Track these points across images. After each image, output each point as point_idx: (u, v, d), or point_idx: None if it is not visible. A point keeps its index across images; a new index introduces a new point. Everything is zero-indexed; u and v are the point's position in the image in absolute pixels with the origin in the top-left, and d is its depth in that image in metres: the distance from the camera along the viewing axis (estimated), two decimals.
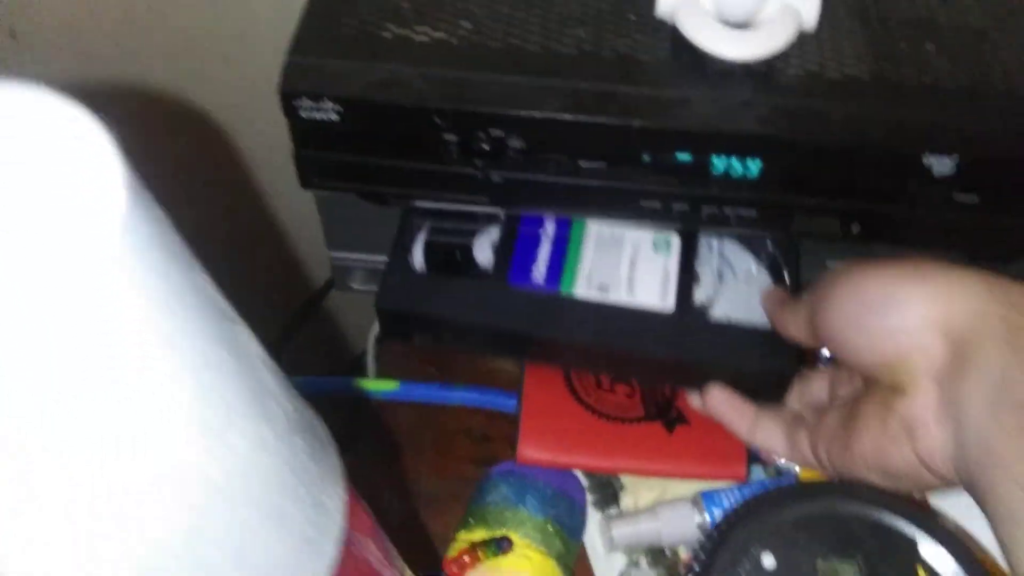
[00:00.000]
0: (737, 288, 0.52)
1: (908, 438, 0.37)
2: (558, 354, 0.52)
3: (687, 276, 0.52)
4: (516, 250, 0.53)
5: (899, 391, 0.38)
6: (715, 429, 0.51)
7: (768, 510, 0.32)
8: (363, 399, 0.56)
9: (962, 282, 0.37)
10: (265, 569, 0.16)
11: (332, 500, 0.19)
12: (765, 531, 0.32)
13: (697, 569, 0.31)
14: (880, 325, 0.39)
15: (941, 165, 0.46)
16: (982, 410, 0.33)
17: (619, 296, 0.51)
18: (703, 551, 0.31)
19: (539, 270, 0.52)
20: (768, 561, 0.31)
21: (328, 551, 0.18)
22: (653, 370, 0.51)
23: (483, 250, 0.53)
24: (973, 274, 0.37)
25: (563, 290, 0.51)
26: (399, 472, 0.53)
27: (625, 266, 0.52)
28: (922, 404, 0.37)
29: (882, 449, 0.39)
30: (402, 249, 0.53)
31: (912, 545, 0.32)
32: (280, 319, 0.94)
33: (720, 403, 0.49)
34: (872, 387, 0.40)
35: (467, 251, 0.54)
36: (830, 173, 0.48)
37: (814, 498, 0.33)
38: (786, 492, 0.33)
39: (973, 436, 0.34)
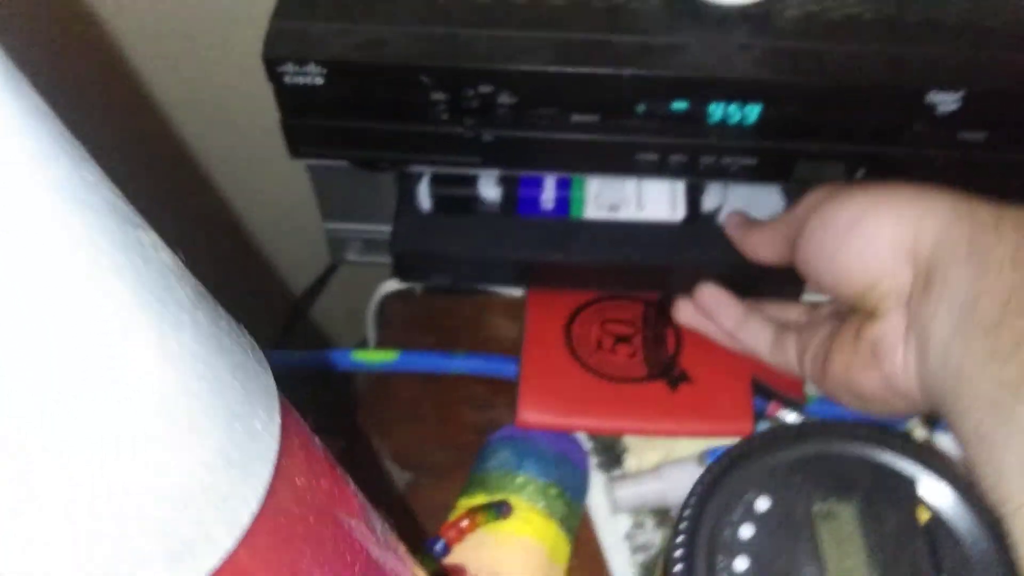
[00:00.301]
0: (741, 191, 0.53)
1: (875, 361, 0.38)
2: (575, 277, 0.53)
3: (694, 185, 0.53)
4: (521, 181, 0.53)
5: (870, 316, 0.38)
6: (720, 386, 0.50)
7: (761, 453, 0.31)
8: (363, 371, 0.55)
9: (930, 205, 0.36)
10: (187, 488, 0.15)
11: (264, 425, 0.18)
12: (758, 474, 0.31)
13: (687, 515, 0.30)
14: (850, 253, 0.39)
15: (945, 102, 0.45)
16: (948, 331, 0.33)
17: (629, 213, 0.51)
18: (694, 496, 0.30)
19: (547, 198, 0.52)
20: (762, 505, 0.30)
21: (259, 475, 0.17)
22: (669, 280, 0.52)
23: (488, 186, 0.53)
24: (941, 196, 0.37)
25: (573, 214, 0.51)
26: (400, 443, 0.53)
27: (632, 183, 0.53)
28: (889, 328, 0.37)
29: (851, 371, 0.40)
30: (408, 193, 0.53)
31: (912, 484, 0.31)
32: (276, 316, 0.94)
33: (710, 299, 0.50)
34: (855, 311, 0.41)
35: (472, 187, 0.53)
36: (831, 116, 0.46)
37: (810, 439, 0.31)
38: (780, 434, 0.32)
39: (939, 357, 0.33)
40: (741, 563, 0.29)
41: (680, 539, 0.29)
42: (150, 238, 0.15)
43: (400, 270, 0.53)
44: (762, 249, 0.47)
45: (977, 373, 0.31)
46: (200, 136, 0.81)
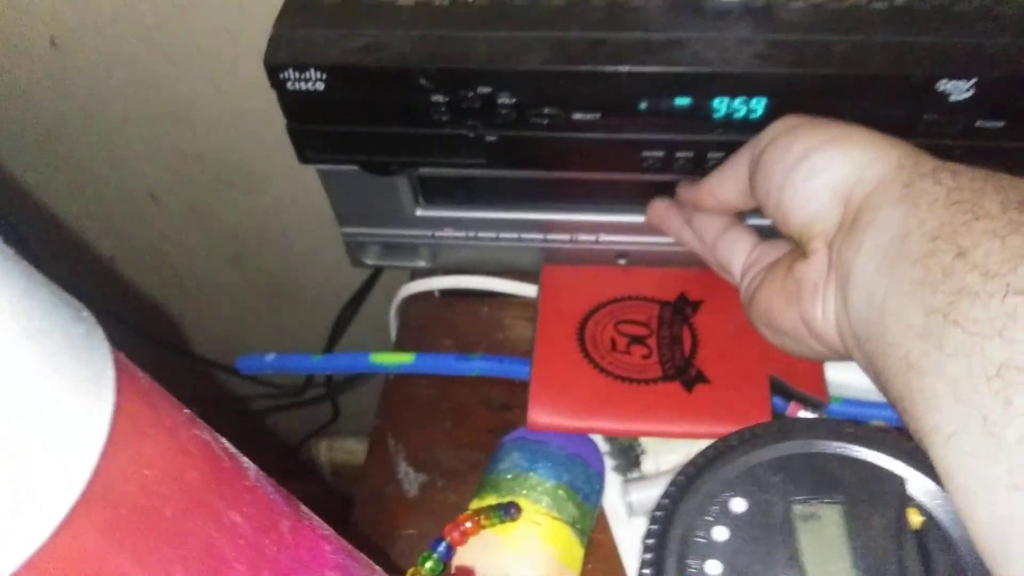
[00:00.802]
0: None
1: (796, 299, 0.38)
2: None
3: None
4: None
5: (802, 255, 0.38)
6: (737, 387, 0.49)
7: (739, 451, 0.30)
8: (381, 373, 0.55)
9: (879, 154, 0.36)
10: None
11: (89, 411, 0.18)
12: (735, 474, 0.30)
13: (658, 516, 0.29)
14: (792, 188, 0.38)
15: (958, 90, 0.43)
16: (874, 266, 0.32)
17: None
18: (666, 497, 0.30)
19: None
20: (738, 506, 0.29)
21: (79, 462, 0.17)
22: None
23: None
24: (893, 145, 0.36)
25: None
26: (416, 444, 0.53)
27: None
28: (813, 268, 0.37)
29: (773, 304, 0.40)
30: None
31: (901, 484, 0.29)
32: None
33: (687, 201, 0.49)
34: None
35: None
36: (840, 108, 0.45)
37: (791, 437, 0.30)
38: (759, 432, 0.31)
39: (864, 294, 0.33)
40: (713, 567, 0.28)
41: (650, 541, 0.29)
42: None
43: (425, 194, 0.54)
44: (721, 188, 0.45)
45: (904, 303, 0.30)
46: (237, 148, 0.82)
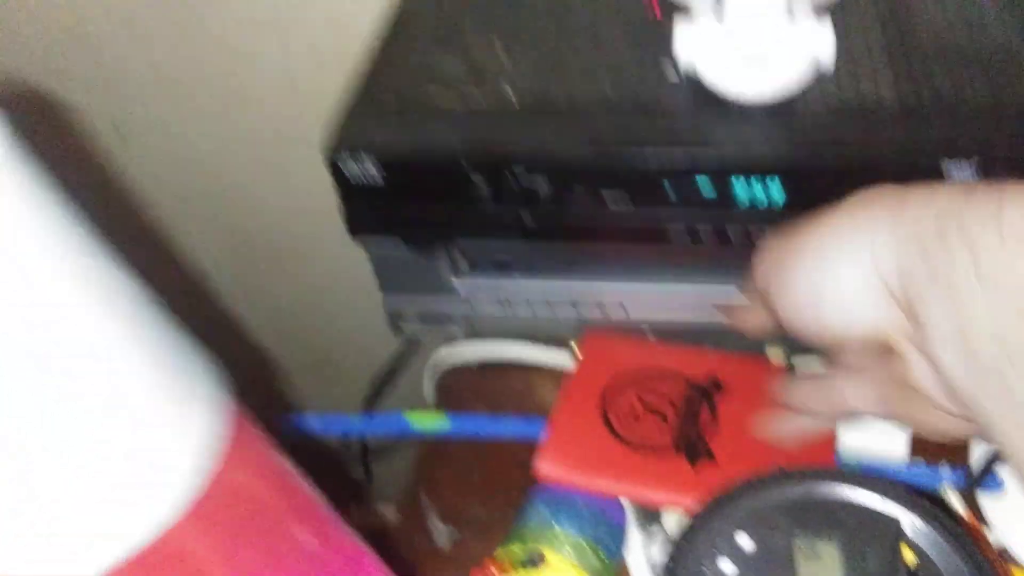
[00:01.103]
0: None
1: (936, 397, 0.35)
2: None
3: None
4: None
5: (900, 362, 0.36)
6: (741, 470, 0.51)
7: (747, 495, 0.33)
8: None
9: (872, 227, 0.34)
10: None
11: (201, 432, 0.22)
12: (744, 515, 0.33)
13: (671, 552, 0.32)
14: (829, 315, 0.37)
15: (960, 171, 0.47)
16: (954, 365, 0.32)
17: None
18: (681, 536, 0.33)
19: None
20: (745, 543, 0.32)
21: (189, 473, 0.22)
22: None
23: None
24: (878, 211, 0.35)
25: None
26: (449, 501, 0.56)
27: None
28: (917, 366, 0.35)
29: (928, 419, 0.37)
30: None
31: (895, 524, 0.33)
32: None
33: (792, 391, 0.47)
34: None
35: None
36: (850, 192, 0.49)
37: (794, 482, 0.34)
38: (766, 477, 0.34)
39: (953, 387, 0.32)
40: None
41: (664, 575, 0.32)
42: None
43: (468, 259, 0.58)
44: (759, 319, 0.45)
45: (989, 399, 0.30)
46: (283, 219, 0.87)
